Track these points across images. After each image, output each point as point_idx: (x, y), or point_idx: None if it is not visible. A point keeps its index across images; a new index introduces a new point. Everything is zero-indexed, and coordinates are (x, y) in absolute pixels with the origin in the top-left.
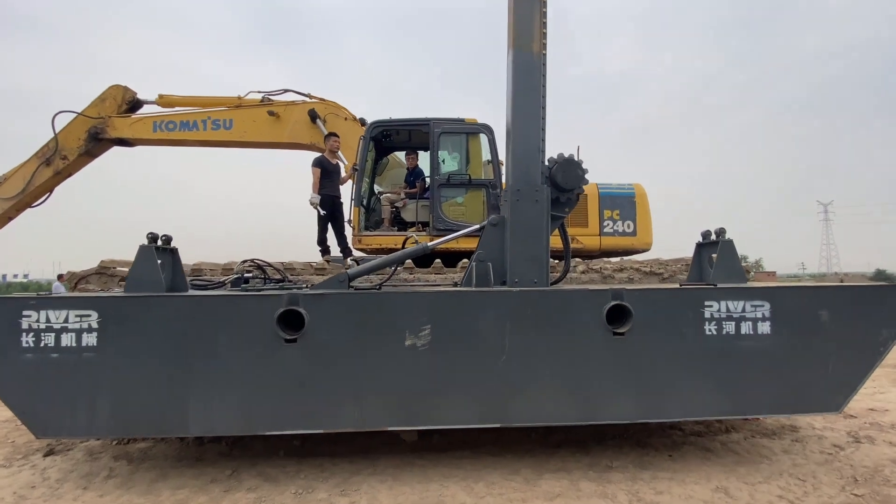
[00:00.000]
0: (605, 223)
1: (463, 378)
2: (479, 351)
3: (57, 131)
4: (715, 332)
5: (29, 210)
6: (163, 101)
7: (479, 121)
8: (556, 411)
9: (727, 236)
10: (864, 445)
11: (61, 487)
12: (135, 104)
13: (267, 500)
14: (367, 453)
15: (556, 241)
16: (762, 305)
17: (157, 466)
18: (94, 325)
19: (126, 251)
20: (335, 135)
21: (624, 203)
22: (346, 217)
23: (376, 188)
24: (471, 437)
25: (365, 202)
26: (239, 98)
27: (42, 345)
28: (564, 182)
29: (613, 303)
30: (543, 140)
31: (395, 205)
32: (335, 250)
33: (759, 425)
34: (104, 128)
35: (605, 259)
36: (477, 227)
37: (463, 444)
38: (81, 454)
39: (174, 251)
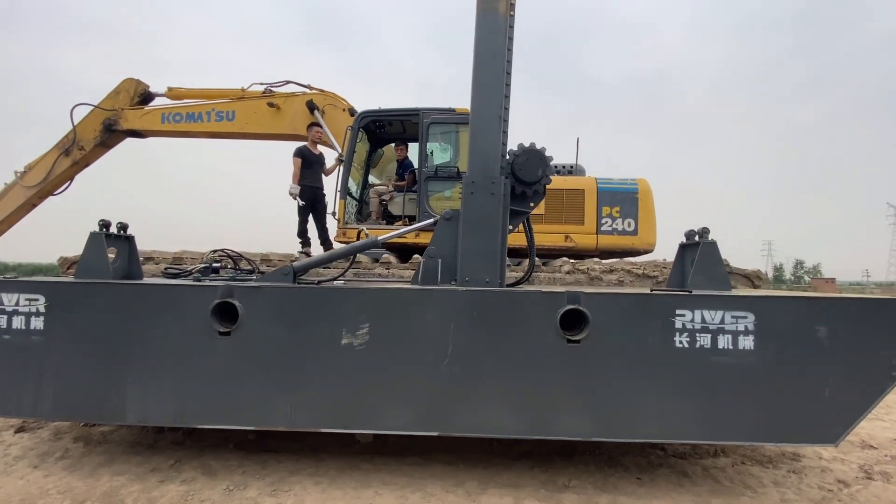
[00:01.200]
0: (604, 221)
1: (402, 381)
2: (419, 353)
3: (75, 123)
4: (687, 345)
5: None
6: (172, 93)
7: None
8: (501, 423)
9: (710, 237)
10: (875, 484)
11: (16, 464)
12: (147, 97)
13: (196, 494)
14: (315, 452)
15: (540, 239)
16: (745, 317)
17: (109, 451)
18: (42, 310)
19: (157, 243)
20: (318, 125)
21: (625, 200)
22: (332, 209)
23: (374, 180)
24: (427, 443)
25: (358, 194)
26: (242, 90)
27: None
28: (525, 174)
29: (568, 307)
30: (505, 124)
31: (383, 198)
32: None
33: (756, 451)
34: (118, 119)
35: (596, 259)
36: (431, 220)
37: (414, 450)
38: (48, 433)
39: (130, 238)
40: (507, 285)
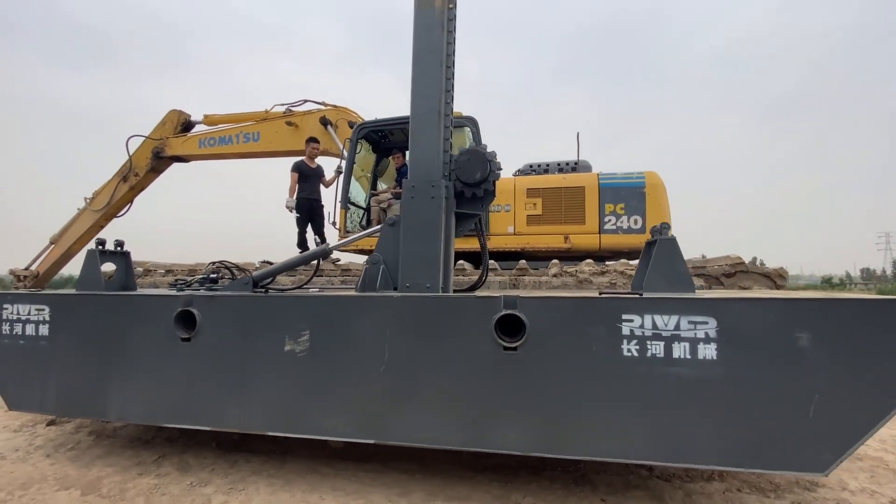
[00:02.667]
0: (607, 219)
1: (341, 388)
2: (357, 360)
3: (131, 153)
4: (636, 354)
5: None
6: (207, 120)
7: (466, 114)
8: (436, 433)
9: (670, 233)
10: None
11: (34, 454)
12: (188, 125)
13: (162, 487)
14: (285, 454)
15: (538, 241)
16: (705, 322)
17: (111, 444)
18: (47, 318)
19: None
20: (315, 140)
21: (631, 195)
22: (332, 219)
23: (381, 187)
24: (391, 451)
25: (366, 203)
26: (265, 112)
27: (13, 333)
28: (466, 175)
29: (504, 312)
30: (447, 122)
31: (382, 205)
32: None
33: (761, 476)
34: (164, 147)
35: (588, 261)
36: (377, 227)
37: (378, 458)
38: (72, 427)
39: (126, 254)
40: (464, 290)
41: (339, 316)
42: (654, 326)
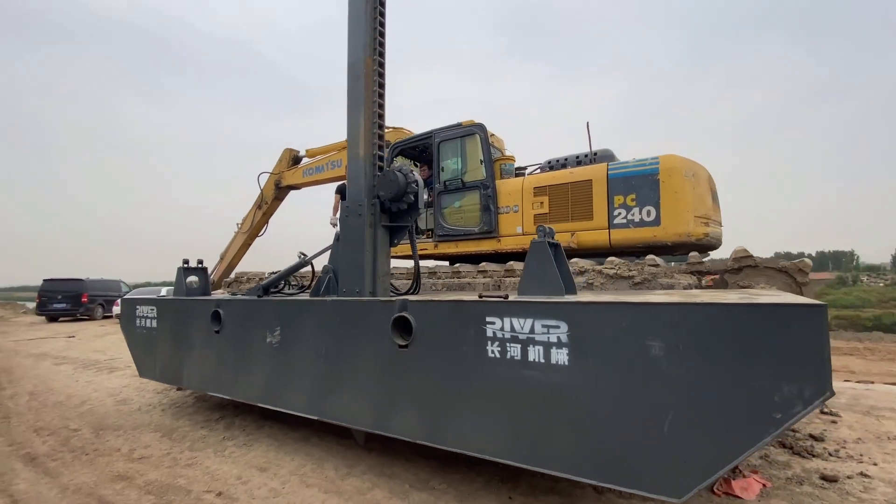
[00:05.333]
0: (616, 212)
1: (297, 373)
2: (306, 352)
3: (261, 185)
4: (498, 356)
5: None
6: (308, 153)
7: (482, 122)
8: (354, 416)
9: (546, 236)
10: None
11: (156, 408)
12: (297, 159)
13: (207, 438)
14: (295, 426)
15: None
16: (556, 326)
17: (201, 407)
18: (155, 315)
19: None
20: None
21: (643, 184)
22: None
23: None
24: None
25: None
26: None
27: (141, 325)
28: (386, 192)
29: (398, 314)
30: (374, 151)
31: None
32: None
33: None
34: (281, 179)
35: (575, 260)
36: (328, 245)
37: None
38: (189, 392)
39: (204, 269)
40: (402, 293)
41: (296, 316)
42: (513, 329)
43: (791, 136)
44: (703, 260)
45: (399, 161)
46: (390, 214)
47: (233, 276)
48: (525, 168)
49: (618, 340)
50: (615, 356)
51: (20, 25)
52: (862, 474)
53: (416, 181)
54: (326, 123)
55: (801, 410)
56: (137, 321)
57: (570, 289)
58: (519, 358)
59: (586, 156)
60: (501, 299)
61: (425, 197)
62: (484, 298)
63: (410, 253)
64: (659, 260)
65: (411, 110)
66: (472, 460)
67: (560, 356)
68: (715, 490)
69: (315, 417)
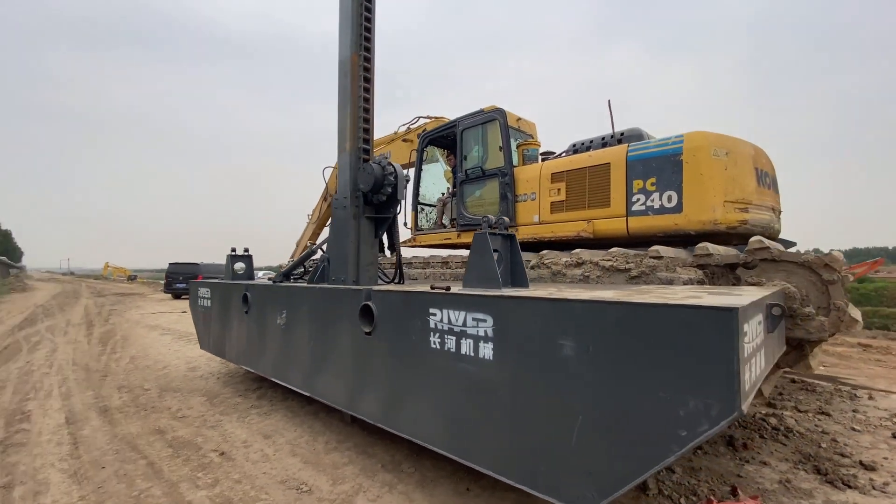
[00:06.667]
0: (635, 198)
1: (296, 352)
2: (303, 333)
3: (326, 179)
4: (438, 347)
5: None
6: None
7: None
8: (333, 394)
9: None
10: None
11: (213, 376)
12: None
13: (242, 404)
14: (311, 401)
15: (562, 229)
16: (484, 320)
17: (247, 377)
18: (209, 296)
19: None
20: (384, 156)
21: (664, 166)
22: (405, 220)
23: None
24: None
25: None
26: (395, 133)
27: (201, 304)
28: (365, 186)
29: (364, 302)
30: (367, 137)
31: (445, 204)
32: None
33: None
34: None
35: (576, 252)
36: (323, 241)
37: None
38: None
39: (249, 256)
40: (388, 282)
41: (295, 301)
42: (449, 321)
43: None
44: (712, 252)
45: (430, 151)
46: (375, 207)
47: None
48: (553, 153)
49: (534, 338)
50: (532, 354)
51: (208, 48)
52: None
53: (394, 173)
54: (384, 118)
55: (708, 429)
56: (199, 301)
57: (520, 281)
58: (454, 350)
59: (613, 136)
60: (443, 291)
61: (447, 189)
62: (431, 290)
63: (439, 242)
64: (667, 251)
65: (507, 94)
66: None
67: (486, 351)
68: None
69: (308, 394)
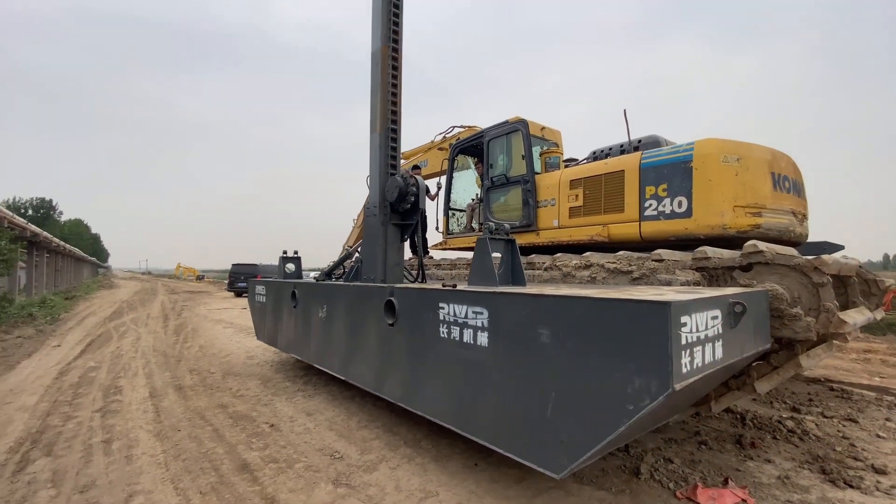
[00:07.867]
0: (648, 204)
1: (335, 341)
2: (341, 325)
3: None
4: (447, 336)
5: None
6: (403, 154)
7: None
8: (363, 378)
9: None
10: None
11: (268, 363)
12: None
13: (289, 388)
14: (350, 386)
15: (579, 234)
16: (481, 313)
17: (299, 364)
18: (265, 293)
19: None
20: (416, 167)
21: (675, 173)
22: (437, 224)
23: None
24: None
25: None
26: (431, 142)
27: (258, 300)
28: (391, 197)
29: (388, 298)
30: (392, 117)
31: (474, 209)
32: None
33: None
34: None
35: (590, 254)
36: (356, 246)
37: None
38: None
39: (298, 258)
40: (411, 281)
41: (333, 297)
42: (455, 314)
43: None
44: (710, 256)
45: (462, 159)
46: (400, 214)
47: None
48: (576, 160)
49: (519, 328)
50: (517, 341)
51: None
52: None
53: (416, 185)
54: (416, 125)
55: (649, 404)
56: (256, 297)
57: (518, 281)
58: (458, 339)
59: (631, 143)
60: (450, 288)
61: (477, 194)
62: (441, 288)
63: (468, 245)
64: (669, 254)
65: (551, 94)
66: None
67: (483, 339)
68: (678, 494)
69: (343, 378)
